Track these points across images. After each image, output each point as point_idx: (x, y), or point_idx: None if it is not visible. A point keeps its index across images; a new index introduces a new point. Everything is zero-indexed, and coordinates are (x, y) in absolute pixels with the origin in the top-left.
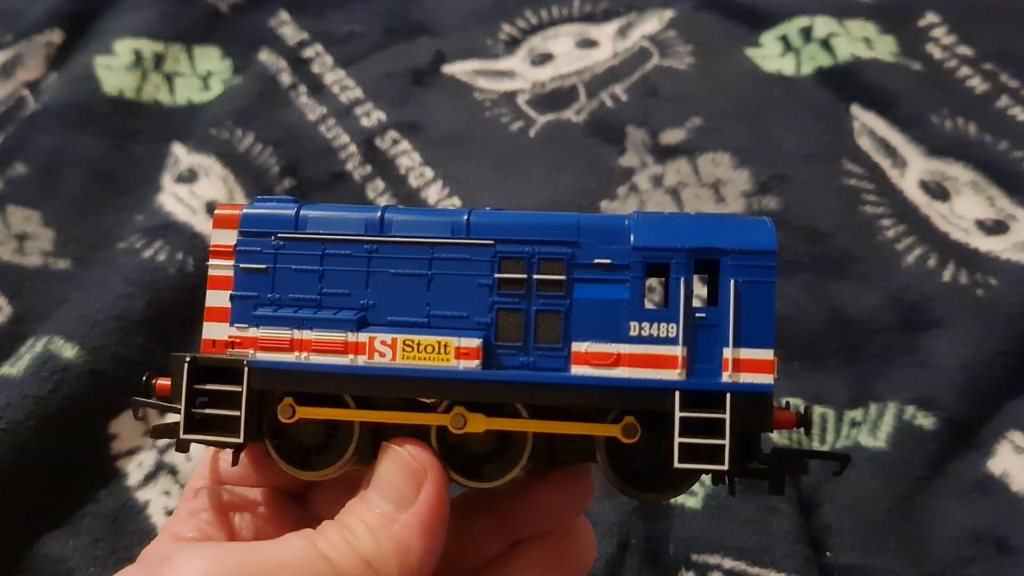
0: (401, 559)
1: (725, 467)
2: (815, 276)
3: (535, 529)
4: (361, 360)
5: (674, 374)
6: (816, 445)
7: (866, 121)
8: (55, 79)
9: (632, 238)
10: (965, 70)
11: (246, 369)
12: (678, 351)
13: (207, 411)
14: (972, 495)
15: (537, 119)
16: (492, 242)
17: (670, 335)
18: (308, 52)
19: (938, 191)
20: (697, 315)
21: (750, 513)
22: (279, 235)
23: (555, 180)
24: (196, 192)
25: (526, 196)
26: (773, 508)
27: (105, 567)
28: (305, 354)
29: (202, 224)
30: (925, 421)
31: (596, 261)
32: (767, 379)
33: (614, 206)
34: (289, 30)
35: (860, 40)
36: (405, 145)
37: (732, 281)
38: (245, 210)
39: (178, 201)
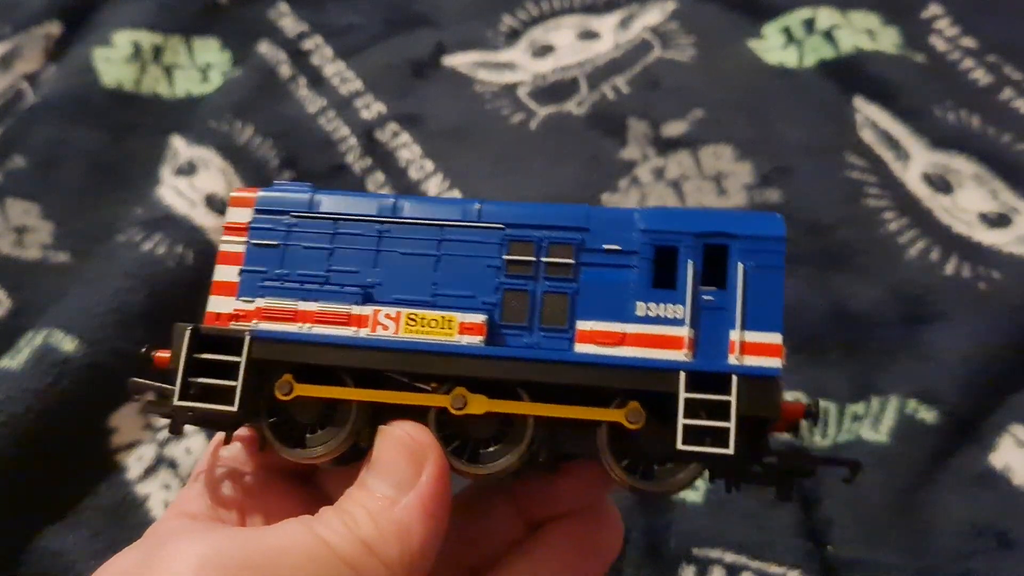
0: (402, 543)
1: (730, 450)
2: (817, 269)
3: (554, 510)
4: (363, 332)
5: (680, 355)
6: (818, 439)
7: (869, 113)
8: (54, 71)
9: (641, 223)
10: (968, 62)
11: (247, 338)
12: (684, 332)
13: (203, 380)
14: (974, 489)
15: (538, 111)
16: (502, 226)
17: (677, 316)
18: (308, 44)
19: (941, 184)
20: (704, 297)
21: (751, 507)
22: (293, 214)
23: (556, 173)
24: (196, 185)
25: (527, 189)
26: (774, 502)
27: (105, 560)
28: (308, 325)
29: (201, 217)
30: (927, 415)
31: (605, 247)
32: (775, 363)
33: (615, 199)
34: (289, 22)
35: (863, 32)
36: (405, 137)
37: (740, 265)
38: (261, 192)
39: (178, 194)
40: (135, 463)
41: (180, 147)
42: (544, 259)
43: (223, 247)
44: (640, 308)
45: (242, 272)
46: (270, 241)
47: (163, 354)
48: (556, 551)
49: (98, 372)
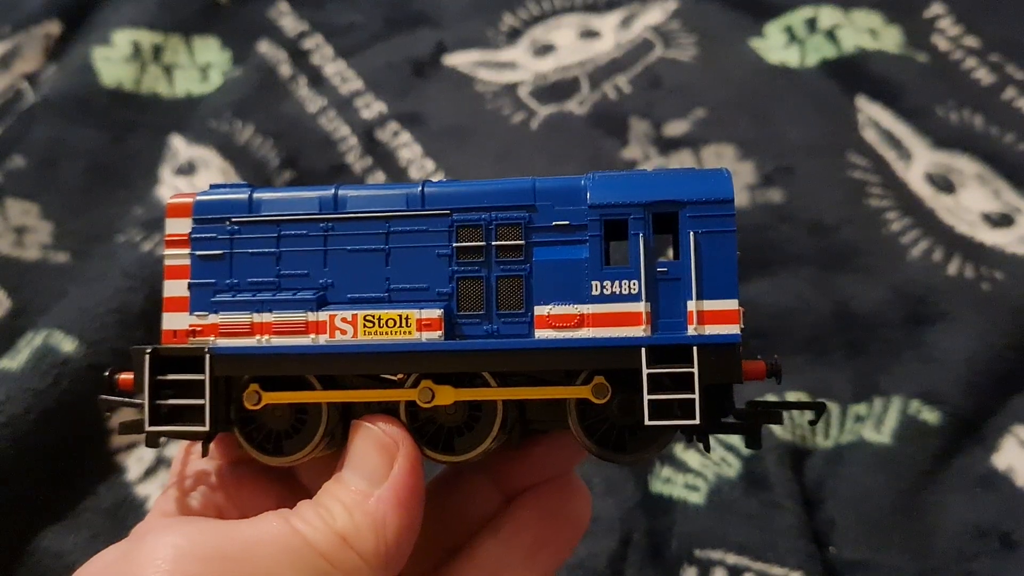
0: (377, 534)
1: (697, 421)
2: (820, 269)
3: (528, 481)
4: (322, 339)
5: (639, 331)
6: (820, 440)
7: (871, 113)
8: (53, 71)
9: (589, 197)
10: (971, 61)
11: (208, 356)
12: (641, 307)
13: (171, 402)
14: (977, 490)
15: (539, 111)
16: (448, 212)
17: (632, 292)
18: (308, 43)
19: (944, 184)
20: (659, 270)
21: (753, 509)
22: (233, 220)
23: (557, 172)
24: (195, 184)
25: None
26: (776, 503)
27: None
28: (266, 337)
29: None
30: (930, 416)
31: (554, 223)
32: (733, 330)
33: None
34: (289, 21)
35: (865, 31)
36: (406, 137)
37: (691, 233)
38: (198, 197)
39: None
40: (135, 464)
41: (180, 147)
42: (494, 243)
43: (167, 261)
44: (595, 287)
45: (191, 286)
46: (214, 251)
47: (126, 376)
48: (527, 524)
49: (98, 373)
